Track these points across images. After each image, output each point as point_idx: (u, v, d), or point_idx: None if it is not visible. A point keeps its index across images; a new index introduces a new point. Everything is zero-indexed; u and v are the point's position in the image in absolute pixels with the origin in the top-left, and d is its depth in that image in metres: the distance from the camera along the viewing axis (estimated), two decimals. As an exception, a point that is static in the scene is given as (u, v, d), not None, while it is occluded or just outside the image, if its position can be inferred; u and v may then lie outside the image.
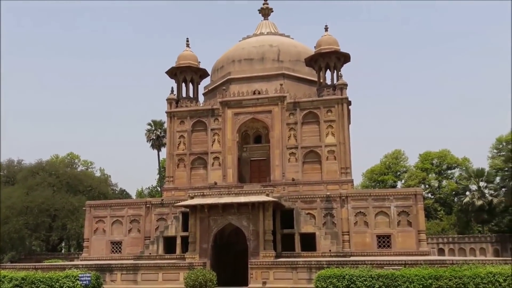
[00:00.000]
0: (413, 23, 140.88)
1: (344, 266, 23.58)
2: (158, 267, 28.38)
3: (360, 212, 31.61)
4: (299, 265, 26.17)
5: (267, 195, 28.73)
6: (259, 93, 36.92)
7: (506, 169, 52.96)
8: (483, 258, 41.96)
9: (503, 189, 55.82)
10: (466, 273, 18.32)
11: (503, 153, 58.51)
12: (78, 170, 67.25)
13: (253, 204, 28.26)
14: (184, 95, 39.10)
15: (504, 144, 62.92)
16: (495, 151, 65.06)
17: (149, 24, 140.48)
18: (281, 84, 36.53)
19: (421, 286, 19.23)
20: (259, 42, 41.13)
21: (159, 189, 67.73)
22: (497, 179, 58.94)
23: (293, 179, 34.37)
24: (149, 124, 64.21)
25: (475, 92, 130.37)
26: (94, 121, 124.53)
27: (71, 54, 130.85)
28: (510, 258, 30.00)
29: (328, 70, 37.26)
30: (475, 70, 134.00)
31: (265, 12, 45.07)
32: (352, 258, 27.15)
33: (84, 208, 37.56)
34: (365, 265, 23.33)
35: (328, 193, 32.27)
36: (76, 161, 72.46)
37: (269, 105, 36.08)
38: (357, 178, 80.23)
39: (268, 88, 36.78)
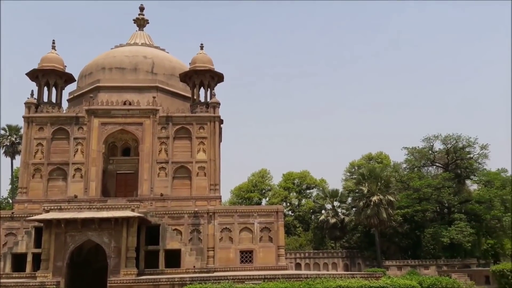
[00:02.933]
0: (287, 45, 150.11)
1: (207, 282, 23.76)
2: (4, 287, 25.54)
3: (226, 228, 32.26)
4: (162, 283, 25.68)
5: (133, 210, 27.82)
6: (130, 103, 35.81)
7: (357, 190, 58.61)
8: (334, 272, 45.60)
9: (354, 209, 61.61)
10: (318, 287, 19.74)
11: (355, 176, 64.75)
12: None
13: (116, 220, 27.11)
14: (45, 99, 36.12)
15: (356, 168, 69.88)
16: (348, 174, 71.85)
17: (13, 20, 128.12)
18: (154, 97, 35.94)
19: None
20: (132, 52, 40.05)
21: (11, 201, 61.27)
22: (349, 199, 65.01)
23: (161, 194, 33.79)
24: (3, 129, 58.36)
25: (333, 122, 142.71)
26: None
27: None
28: (357, 272, 33.12)
29: (202, 87, 37.72)
30: (337, 101, 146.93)
31: (141, 23, 44.15)
32: (215, 274, 27.48)
33: None
34: (227, 280, 23.79)
35: (196, 209, 32.42)
36: None
37: (140, 117, 35.17)
38: (226, 194, 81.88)
39: (140, 99, 35.90)
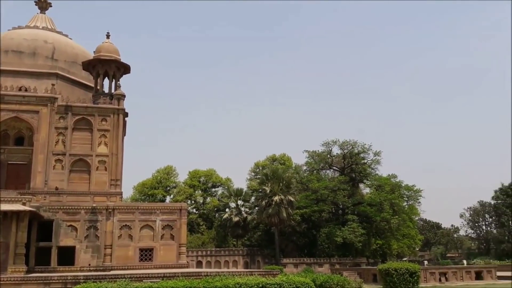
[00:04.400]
0: (201, 41, 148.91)
1: (103, 281, 22.80)
2: None
3: (126, 225, 31.29)
4: (54, 281, 24.15)
5: (24, 204, 25.88)
6: (26, 90, 33.33)
7: (260, 190, 59.97)
8: (234, 270, 46.23)
9: (256, 208, 62.93)
10: (217, 284, 19.85)
11: (259, 176, 66.20)
12: None
13: (5, 214, 25.05)
14: None
15: (260, 168, 71.48)
16: (253, 174, 73.25)
17: None
18: (53, 84, 33.77)
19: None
20: (32, 35, 37.28)
21: None
22: (252, 198, 66.30)
23: (56, 188, 31.84)
24: None
25: (240, 123, 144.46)
26: None
27: None
28: (255, 270, 33.89)
29: (107, 78, 36.20)
30: (245, 101, 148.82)
31: (42, 6, 41.20)
32: (112, 272, 26.49)
33: None
34: (124, 279, 23.06)
35: (94, 205, 31.03)
36: None
37: (37, 105, 32.85)
38: (128, 191, 79.31)
39: (37, 86, 33.52)
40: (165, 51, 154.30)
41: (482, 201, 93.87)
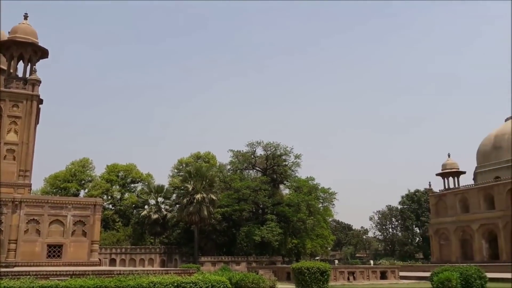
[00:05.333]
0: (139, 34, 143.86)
1: (4, 278, 21.29)
2: None
3: (33, 219, 29.41)
4: None
5: None
6: None
7: (182, 188, 59.25)
8: (150, 268, 45.27)
9: (177, 205, 62.09)
10: (130, 283, 19.26)
11: (182, 173, 65.38)
12: None
13: None
14: None
15: (184, 165, 70.64)
16: (176, 170, 72.18)
17: None
18: (-42, 64, 30.97)
19: (85, 297, 19.13)
20: None
21: None
22: (174, 196, 65.30)
23: (-44, 177, 29.23)
24: None
25: (169, 118, 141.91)
26: None
27: None
28: (171, 268, 33.40)
29: (22, 61, 33.85)
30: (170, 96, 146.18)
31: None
32: (16, 269, 24.81)
33: None
34: (28, 276, 21.69)
35: (-2, 197, 28.82)
36: None
37: None
38: (39, 183, 74.82)
39: None
40: (94, 37, 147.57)
41: (390, 205, 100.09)
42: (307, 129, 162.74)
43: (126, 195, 71.88)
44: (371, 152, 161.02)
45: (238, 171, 67.34)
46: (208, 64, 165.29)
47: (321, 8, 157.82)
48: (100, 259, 33.94)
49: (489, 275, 29.92)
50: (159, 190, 64.73)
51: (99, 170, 74.68)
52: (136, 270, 24.93)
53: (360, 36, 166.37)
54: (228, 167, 68.43)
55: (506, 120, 60.79)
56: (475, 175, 61.28)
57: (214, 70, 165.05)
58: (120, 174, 72.38)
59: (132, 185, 73.84)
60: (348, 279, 35.38)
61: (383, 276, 37.36)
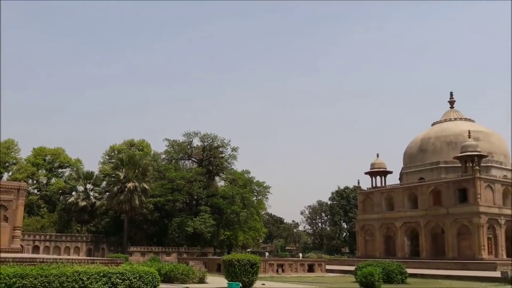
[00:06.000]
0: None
1: None
2: None
3: None
4: None
5: None
6: None
7: (113, 175, 57.57)
8: (75, 257, 43.67)
9: (107, 193, 60.27)
10: (53, 272, 18.46)
11: (114, 160, 63.47)
12: None
13: None
14: None
15: (116, 152, 68.61)
16: (107, 157, 69.92)
17: None
18: None
19: (4, 285, 18.13)
20: None
21: None
22: (104, 183, 63.25)
23: None
24: None
25: (103, 103, 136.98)
26: None
27: None
28: (97, 258, 32.36)
29: None
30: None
31: None
32: None
33: None
34: None
35: None
36: None
37: None
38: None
39: None
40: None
41: (321, 201, 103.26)
42: (245, 123, 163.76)
43: (53, 180, 68.72)
44: (306, 148, 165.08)
45: (173, 161, 66.49)
46: (147, 49, 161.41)
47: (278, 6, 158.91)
48: (22, 246, 32.30)
49: (410, 271, 31.82)
50: (88, 176, 62.46)
51: (25, 153, 70.82)
52: (60, 259, 23.93)
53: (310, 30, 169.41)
54: (163, 156, 67.39)
55: (432, 125, 64.52)
56: (401, 175, 64.59)
57: (152, 55, 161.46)
58: (47, 158, 69.02)
59: (60, 170, 70.69)
60: (277, 271, 36.16)
61: (311, 269, 38.53)
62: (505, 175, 55.59)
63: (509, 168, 58.36)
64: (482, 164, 52.86)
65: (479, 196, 49.58)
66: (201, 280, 25.02)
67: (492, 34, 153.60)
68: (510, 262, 44.90)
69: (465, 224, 50.74)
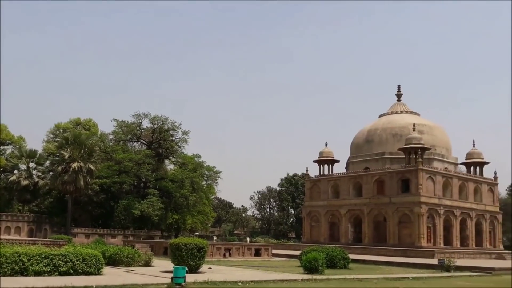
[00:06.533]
0: None
1: None
2: None
3: None
4: None
5: None
6: None
7: (58, 154, 55.57)
8: (15, 237, 42.03)
9: (51, 173, 58.19)
10: (-9, 252, 17.78)
11: (59, 139, 61.18)
12: None
13: None
14: None
15: (61, 131, 66.15)
16: (51, 135, 67.26)
17: None
18: None
19: None
20: None
21: None
22: (48, 162, 60.94)
23: None
24: None
25: (48, 79, 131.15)
26: None
27: None
28: (40, 239, 31.36)
29: None
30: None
31: None
32: None
33: None
34: None
35: None
36: None
37: None
38: None
39: None
40: None
41: (270, 187, 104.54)
42: (198, 107, 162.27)
43: (-6, 158, 65.39)
44: (258, 135, 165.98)
45: (122, 142, 65.02)
46: (95, 24, 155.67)
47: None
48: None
49: (352, 256, 33.01)
50: (31, 155, 59.96)
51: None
52: (1, 239, 23.05)
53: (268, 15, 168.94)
54: (111, 137, 65.73)
55: (379, 117, 66.57)
56: (348, 165, 66.43)
57: (99, 31, 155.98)
58: (-13, 134, 65.44)
59: (2, 147, 67.28)
60: (224, 255, 36.44)
61: (257, 253, 39.10)
62: (446, 168, 58.40)
63: (450, 161, 61.37)
64: (425, 156, 55.26)
65: (421, 186, 51.89)
66: (147, 264, 24.85)
67: (441, 32, 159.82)
68: (447, 250, 47.60)
69: (407, 213, 53.05)
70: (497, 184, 62.43)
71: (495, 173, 62.59)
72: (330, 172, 64.80)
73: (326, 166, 65.18)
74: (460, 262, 32.24)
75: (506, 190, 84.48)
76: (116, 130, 64.78)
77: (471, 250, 53.19)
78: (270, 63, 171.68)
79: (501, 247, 60.71)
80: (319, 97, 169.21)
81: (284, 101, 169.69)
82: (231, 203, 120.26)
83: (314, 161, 65.43)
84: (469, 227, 56.85)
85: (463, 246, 54.95)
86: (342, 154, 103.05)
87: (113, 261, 24.09)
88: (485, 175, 61.79)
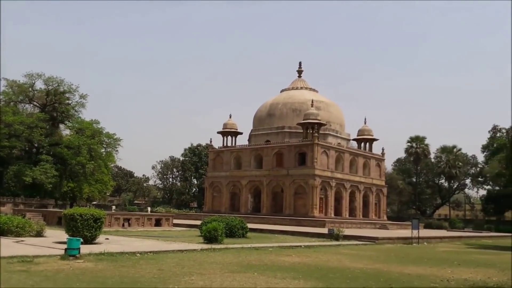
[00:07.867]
0: None
1: None
2: None
3: None
4: None
5: None
6: None
7: None
8: None
9: None
10: None
11: None
12: None
13: None
14: None
15: None
16: None
17: None
18: None
19: None
20: None
21: None
22: None
23: None
24: None
25: None
26: None
27: None
28: None
29: None
30: None
31: None
32: None
33: None
34: None
35: None
36: None
37: None
38: None
39: None
40: None
41: (173, 156, 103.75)
42: (97, 69, 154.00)
43: None
44: (162, 104, 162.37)
45: (12, 103, 59.90)
46: None
47: None
48: None
49: (251, 226, 34.32)
50: None
51: None
52: None
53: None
54: (0, 97, 60.24)
55: (281, 91, 68.69)
56: (250, 137, 68.07)
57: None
58: None
59: None
60: (123, 225, 35.90)
61: (158, 223, 39.04)
62: (339, 143, 62.33)
63: (343, 136, 65.55)
64: (320, 132, 58.42)
65: (316, 160, 54.98)
66: (39, 234, 23.80)
67: (349, 13, 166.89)
68: (337, 220, 51.33)
69: (302, 184, 56.08)
70: (384, 159, 68.13)
71: (383, 149, 68.21)
72: (233, 144, 65.95)
73: (229, 137, 66.17)
74: (348, 232, 35.01)
75: (391, 165, 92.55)
76: (6, 90, 59.44)
77: (358, 220, 57.95)
78: (182, 34, 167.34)
79: (385, 218, 66.85)
80: (226, 68, 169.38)
81: (192, 70, 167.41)
82: (132, 172, 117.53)
83: (218, 132, 66.03)
84: (358, 199, 61.71)
85: (352, 216, 59.64)
86: (246, 126, 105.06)
87: (1, 231, 22.73)
88: (374, 151, 67.01)
